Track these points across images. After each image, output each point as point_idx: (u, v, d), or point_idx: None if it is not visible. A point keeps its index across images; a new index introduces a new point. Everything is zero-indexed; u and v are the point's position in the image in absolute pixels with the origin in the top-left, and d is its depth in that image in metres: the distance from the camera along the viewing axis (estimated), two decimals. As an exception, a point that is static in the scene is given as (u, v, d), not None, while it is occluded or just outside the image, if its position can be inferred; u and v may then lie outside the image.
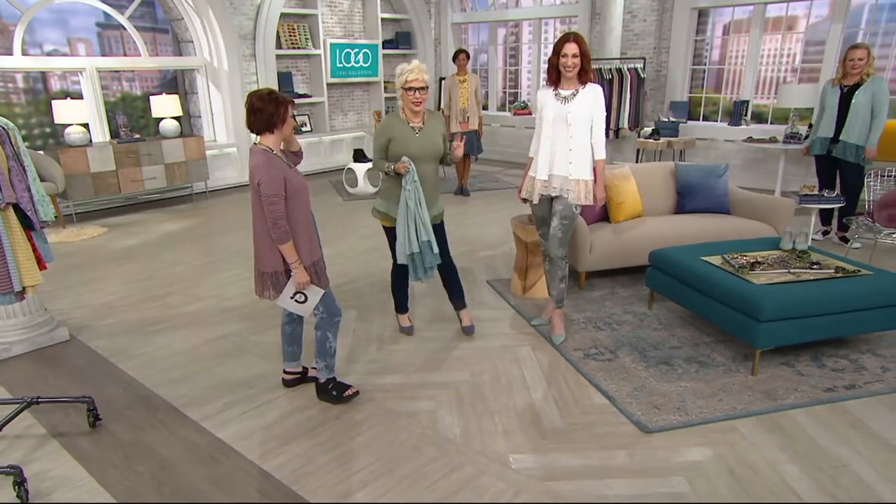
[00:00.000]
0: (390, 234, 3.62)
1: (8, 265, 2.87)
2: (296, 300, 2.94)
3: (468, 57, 7.85)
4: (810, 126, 5.93)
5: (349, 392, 3.14)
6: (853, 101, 5.16)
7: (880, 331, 3.57)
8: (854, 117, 5.16)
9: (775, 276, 3.46)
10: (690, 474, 2.54)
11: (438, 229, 3.66)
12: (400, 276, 3.81)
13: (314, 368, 3.23)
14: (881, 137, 5.17)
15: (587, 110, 3.44)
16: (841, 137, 5.26)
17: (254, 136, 2.85)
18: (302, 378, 3.31)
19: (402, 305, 3.93)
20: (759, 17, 7.82)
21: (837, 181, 5.50)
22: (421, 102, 3.38)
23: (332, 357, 3.13)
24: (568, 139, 3.47)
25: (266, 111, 2.76)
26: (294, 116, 2.97)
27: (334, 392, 3.12)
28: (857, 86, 5.16)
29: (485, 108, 10.44)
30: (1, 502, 2.45)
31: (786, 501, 2.38)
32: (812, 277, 3.45)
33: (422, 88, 3.34)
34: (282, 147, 2.93)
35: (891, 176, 5.19)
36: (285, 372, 3.30)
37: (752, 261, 3.65)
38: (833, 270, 3.52)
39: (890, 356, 3.51)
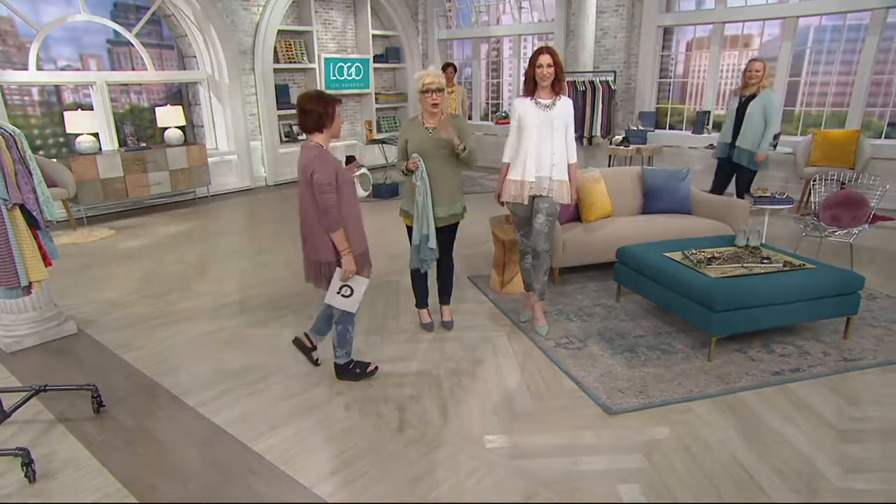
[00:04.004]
0: (410, 232, 3.59)
1: (15, 262, 2.84)
2: (342, 294, 2.93)
3: (455, 70, 7.85)
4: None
5: (371, 368, 3.21)
6: (747, 110, 5.18)
7: (823, 319, 3.62)
8: (748, 125, 5.18)
9: (729, 269, 3.49)
10: (649, 451, 2.56)
11: (450, 229, 3.64)
12: (418, 273, 3.77)
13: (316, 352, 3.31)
14: (813, 145, 5.20)
15: (564, 118, 3.50)
16: (737, 143, 5.29)
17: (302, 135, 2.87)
18: (310, 350, 3.36)
19: (421, 301, 3.90)
20: (718, 35, 7.90)
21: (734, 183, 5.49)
22: (437, 103, 3.36)
23: (351, 344, 3.18)
24: (552, 143, 3.50)
25: (315, 111, 2.76)
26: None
27: (357, 370, 3.19)
28: (753, 96, 5.18)
29: (470, 118, 10.49)
30: (10, 481, 2.44)
31: (735, 476, 2.41)
32: (763, 271, 3.49)
33: (437, 90, 3.32)
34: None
35: (833, 179, 5.26)
36: (306, 335, 3.36)
37: (709, 256, 3.69)
38: (781, 265, 3.56)
39: (831, 342, 3.56)
